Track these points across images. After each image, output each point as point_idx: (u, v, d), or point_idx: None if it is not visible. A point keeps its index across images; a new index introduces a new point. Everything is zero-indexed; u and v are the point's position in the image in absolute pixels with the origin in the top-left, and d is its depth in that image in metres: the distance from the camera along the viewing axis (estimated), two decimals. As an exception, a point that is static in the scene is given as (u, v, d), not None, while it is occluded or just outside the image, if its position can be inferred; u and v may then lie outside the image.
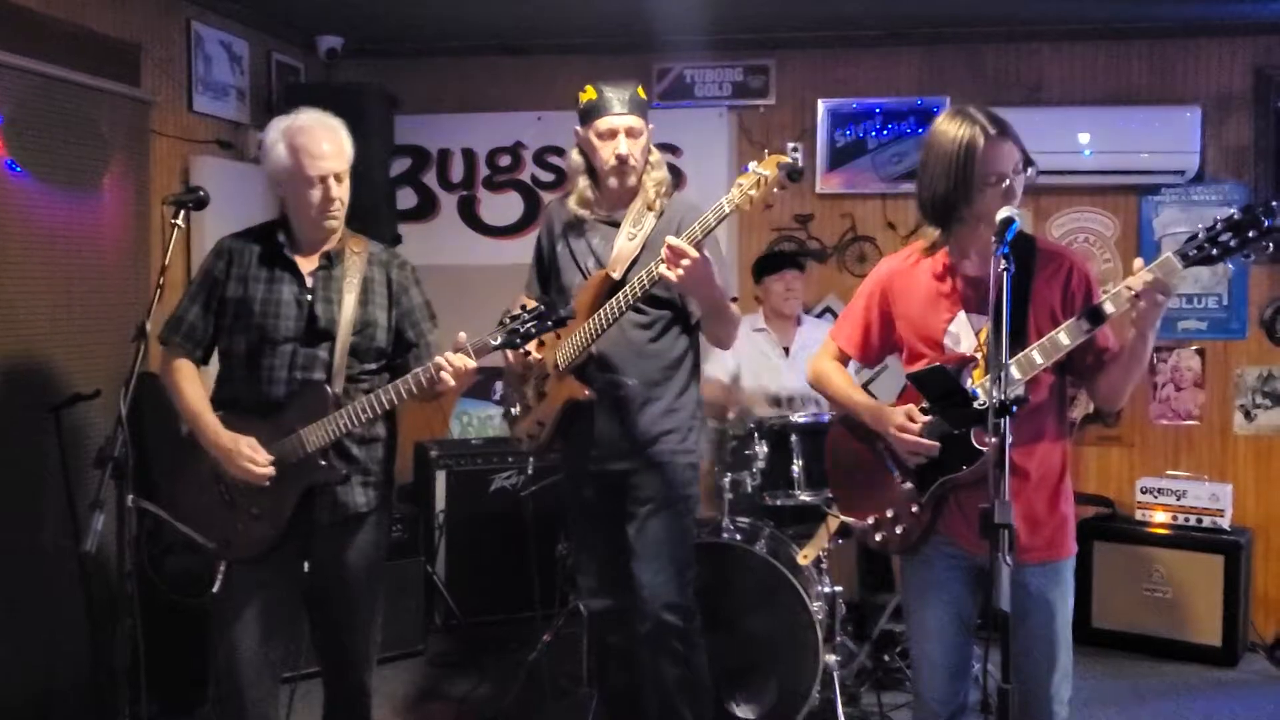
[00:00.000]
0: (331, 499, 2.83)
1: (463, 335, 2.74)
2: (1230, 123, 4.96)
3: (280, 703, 2.96)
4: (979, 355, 2.48)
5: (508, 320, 2.75)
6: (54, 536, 3.54)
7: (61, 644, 3.60)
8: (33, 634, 3.51)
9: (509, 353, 3.18)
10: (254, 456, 2.72)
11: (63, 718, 3.61)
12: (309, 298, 2.82)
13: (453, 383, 2.73)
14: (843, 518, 2.81)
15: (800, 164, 2.72)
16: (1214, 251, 2.30)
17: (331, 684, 3.01)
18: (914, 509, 2.59)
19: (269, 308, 2.79)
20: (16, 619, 3.45)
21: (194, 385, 2.84)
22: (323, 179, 2.76)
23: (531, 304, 2.78)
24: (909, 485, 2.59)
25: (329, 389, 2.78)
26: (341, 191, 2.81)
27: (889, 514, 2.63)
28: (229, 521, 2.78)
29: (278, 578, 2.82)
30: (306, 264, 2.86)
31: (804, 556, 3.77)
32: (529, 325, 2.74)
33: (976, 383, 2.46)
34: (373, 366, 2.90)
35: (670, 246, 2.76)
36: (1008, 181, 2.43)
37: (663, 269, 2.78)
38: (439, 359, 2.71)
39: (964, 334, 2.54)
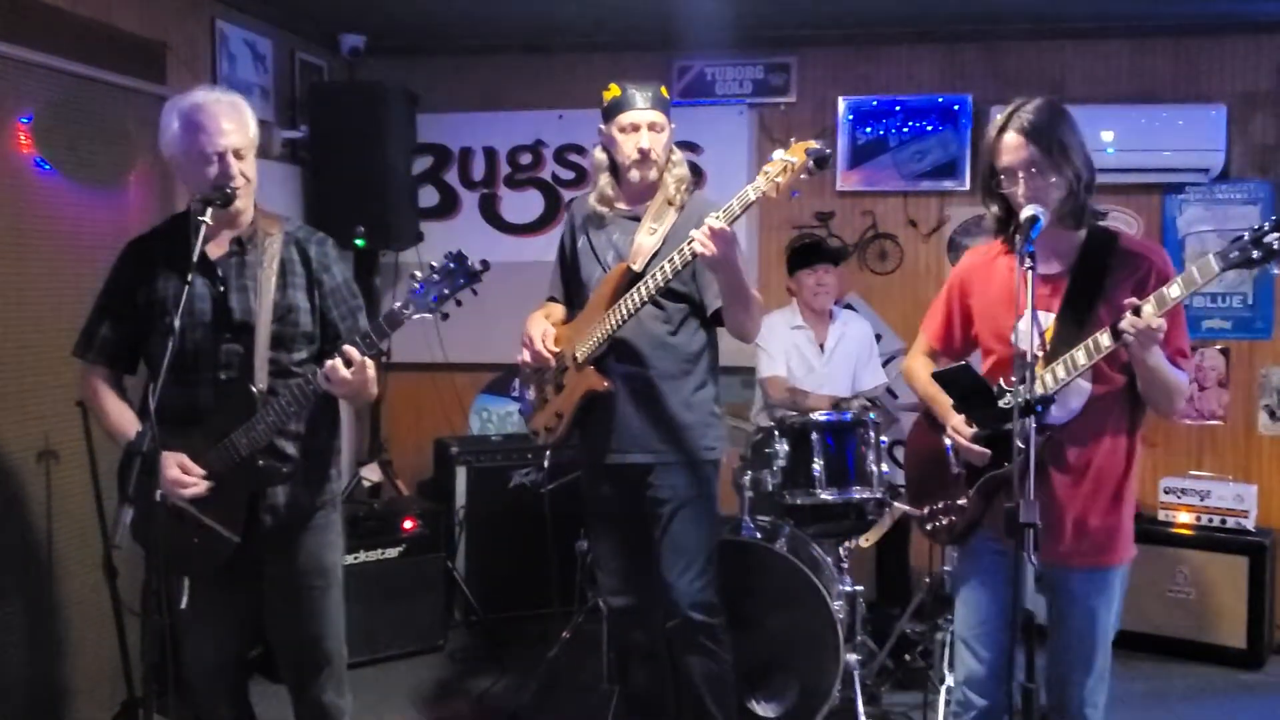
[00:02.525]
0: (272, 502, 2.71)
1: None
2: (1256, 121, 4.92)
3: (241, 692, 2.96)
4: (1040, 353, 2.46)
5: (416, 285, 2.58)
6: (79, 531, 3.57)
7: (86, 639, 3.63)
8: (56, 629, 3.54)
9: (525, 351, 3.20)
10: (180, 477, 2.58)
11: (86, 713, 3.64)
12: (221, 289, 2.67)
13: (346, 374, 2.54)
14: (905, 509, 2.85)
15: (828, 150, 2.71)
16: (1256, 254, 2.25)
17: (294, 698, 2.89)
18: (960, 502, 2.61)
19: (176, 305, 2.54)
20: (39, 613, 3.49)
21: (115, 402, 2.72)
22: (220, 155, 2.59)
23: (438, 263, 2.58)
24: (961, 479, 2.63)
25: (253, 388, 2.63)
26: (244, 169, 2.64)
27: (940, 505, 2.67)
28: (183, 537, 2.62)
29: (237, 586, 2.75)
30: (217, 251, 2.69)
31: (866, 539, 3.92)
32: (440, 287, 2.55)
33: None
34: (302, 355, 2.74)
35: (710, 227, 2.76)
36: (1015, 178, 2.44)
37: (695, 246, 2.77)
38: (345, 348, 2.54)
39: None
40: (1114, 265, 2.48)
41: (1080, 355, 2.39)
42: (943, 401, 2.65)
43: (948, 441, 2.65)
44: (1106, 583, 2.55)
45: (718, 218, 2.78)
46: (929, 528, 2.73)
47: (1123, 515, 2.55)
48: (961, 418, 2.56)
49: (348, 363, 2.55)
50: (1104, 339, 2.37)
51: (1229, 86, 4.93)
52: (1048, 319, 2.50)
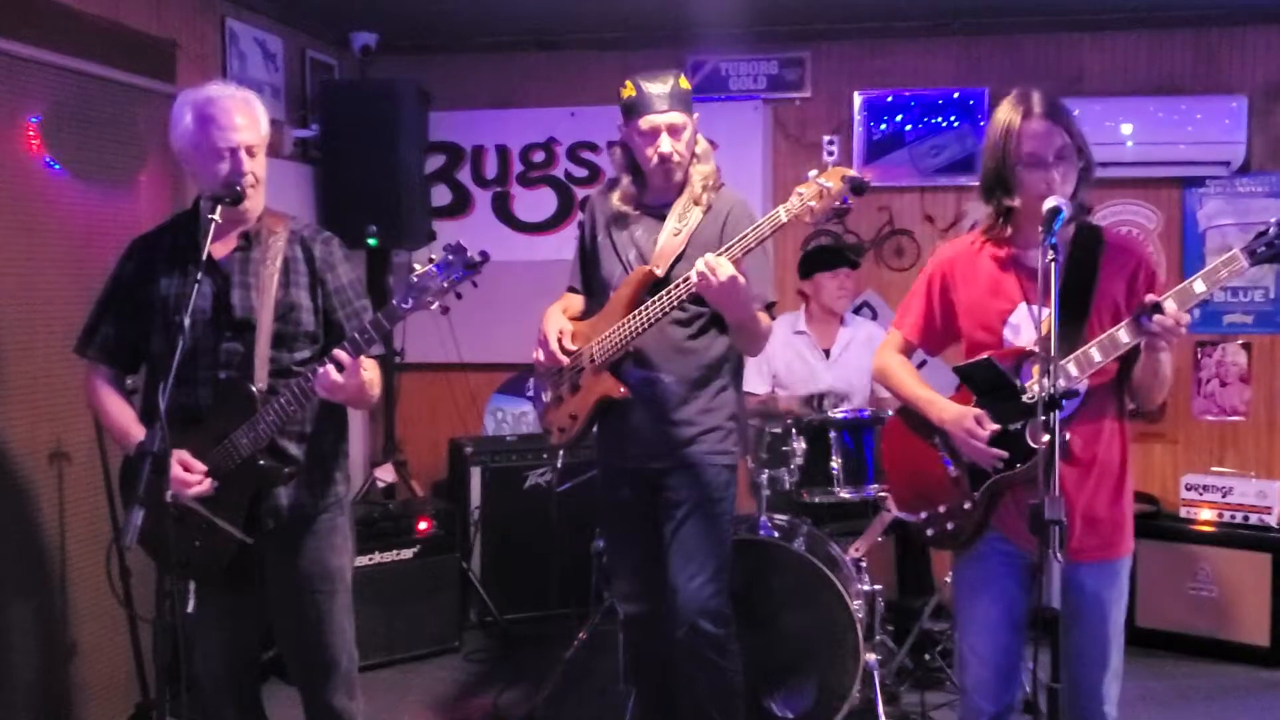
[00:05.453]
0: (273, 503, 2.67)
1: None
2: (1278, 112, 4.86)
3: (253, 696, 2.91)
4: (1038, 348, 2.43)
5: (414, 279, 2.49)
6: (90, 531, 3.56)
7: (99, 641, 3.62)
8: (68, 631, 3.53)
9: (539, 349, 3.15)
10: (184, 476, 2.54)
11: (99, 716, 3.63)
12: (222, 285, 2.64)
13: (338, 378, 2.47)
14: (896, 513, 2.76)
15: (867, 179, 2.65)
16: None
17: (305, 702, 2.84)
18: (966, 506, 2.55)
19: (184, 303, 2.49)
20: (52, 615, 3.48)
21: (116, 400, 2.71)
22: (232, 151, 2.57)
23: (437, 255, 2.49)
24: (963, 481, 2.56)
25: (251, 386, 2.59)
26: (255, 166, 2.62)
27: (941, 510, 2.60)
28: (184, 539, 2.58)
29: (243, 590, 2.71)
30: (223, 249, 2.66)
31: (855, 549, 3.76)
32: (439, 280, 2.46)
33: (1037, 377, 2.42)
34: (304, 354, 2.69)
35: (709, 264, 2.70)
36: (1044, 164, 2.39)
37: (694, 279, 2.72)
38: (334, 352, 2.48)
39: (1025, 326, 2.50)
40: (1104, 260, 2.46)
41: (1095, 352, 2.36)
42: (936, 400, 2.60)
43: (936, 440, 2.59)
44: (1116, 575, 2.52)
45: (720, 255, 2.68)
46: (930, 533, 2.63)
47: (1125, 506, 2.54)
48: (973, 419, 2.48)
49: (339, 367, 2.49)
50: (1122, 335, 2.33)
51: (1250, 77, 4.87)
52: (1043, 313, 2.46)
